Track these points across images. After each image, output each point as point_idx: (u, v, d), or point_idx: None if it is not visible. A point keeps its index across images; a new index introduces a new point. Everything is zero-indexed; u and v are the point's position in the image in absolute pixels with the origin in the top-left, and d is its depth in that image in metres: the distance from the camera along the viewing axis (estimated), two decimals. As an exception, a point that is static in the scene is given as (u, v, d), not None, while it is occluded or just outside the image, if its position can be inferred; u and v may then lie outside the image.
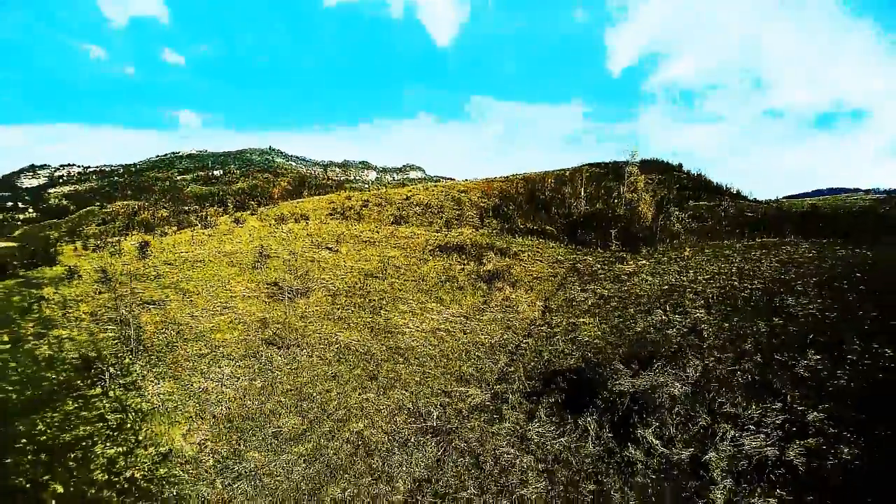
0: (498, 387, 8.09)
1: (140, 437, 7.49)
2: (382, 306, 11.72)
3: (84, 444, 7.28)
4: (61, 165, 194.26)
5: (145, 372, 9.23)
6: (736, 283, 11.91)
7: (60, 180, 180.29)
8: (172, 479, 6.72)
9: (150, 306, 12.69)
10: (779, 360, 7.99)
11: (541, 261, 15.94)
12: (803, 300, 10.35)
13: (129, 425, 7.75)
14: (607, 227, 20.88)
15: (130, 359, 9.74)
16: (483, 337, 10.14)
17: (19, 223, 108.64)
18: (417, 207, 26.81)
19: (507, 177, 36.76)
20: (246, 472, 6.68)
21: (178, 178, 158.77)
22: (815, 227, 21.79)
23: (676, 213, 23.69)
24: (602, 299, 12.09)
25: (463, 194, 30.20)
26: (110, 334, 11.06)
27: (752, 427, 6.49)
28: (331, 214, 25.79)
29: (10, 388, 9.16)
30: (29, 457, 7.07)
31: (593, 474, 6.03)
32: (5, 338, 11.13)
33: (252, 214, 28.57)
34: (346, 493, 6.06)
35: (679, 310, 10.62)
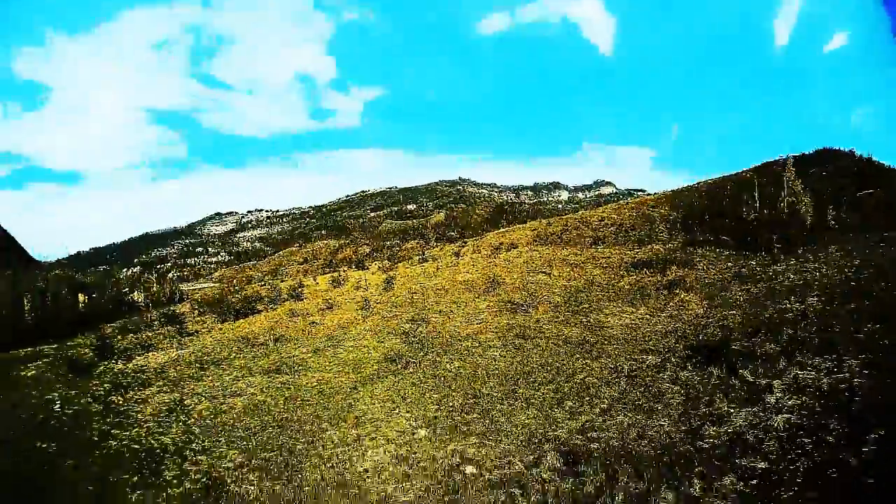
0: (666, 354, 14.94)
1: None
2: (591, 311, 18.81)
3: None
4: (248, 211, 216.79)
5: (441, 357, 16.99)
6: (861, 274, 17.66)
7: (248, 225, 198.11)
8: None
9: (419, 322, 20.68)
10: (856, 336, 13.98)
11: (713, 267, 22.22)
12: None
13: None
14: (771, 231, 26.54)
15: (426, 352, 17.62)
16: (660, 327, 16.92)
17: (213, 266, 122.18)
18: (612, 227, 33.40)
19: (690, 186, 42.62)
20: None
21: (372, 214, 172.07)
22: None
23: (831, 209, 28.59)
24: (751, 296, 18.37)
25: (652, 210, 36.18)
26: (398, 340, 19.11)
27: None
28: (536, 241, 33.31)
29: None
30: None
31: (712, 397, 12.65)
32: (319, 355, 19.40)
33: (462, 246, 36.81)
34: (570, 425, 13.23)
35: (799, 299, 16.76)
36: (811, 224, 26.70)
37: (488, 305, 21.00)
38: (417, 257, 37.28)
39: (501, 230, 43.73)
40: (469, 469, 10.69)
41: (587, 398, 13.00)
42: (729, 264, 22.18)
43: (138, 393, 17.30)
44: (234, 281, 54.30)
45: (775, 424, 10.17)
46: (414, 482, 10.54)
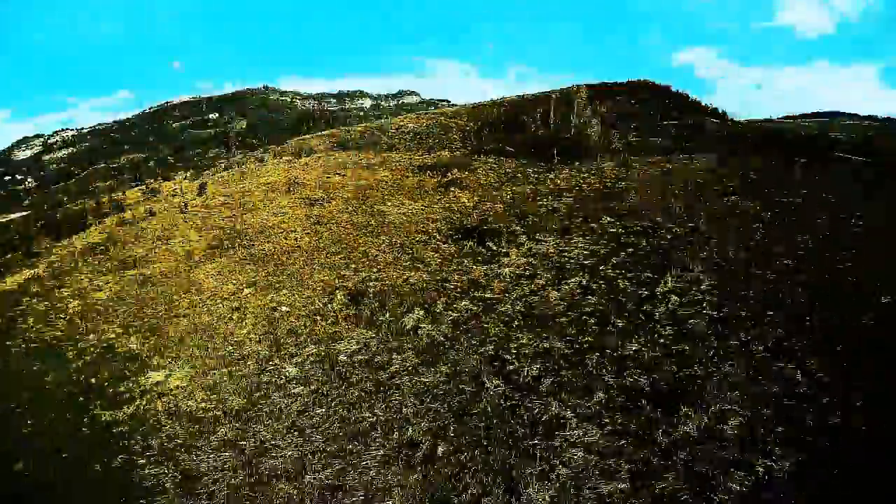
0: (433, 234, 18.59)
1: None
2: (376, 204, 22.10)
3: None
4: (54, 132, 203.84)
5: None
6: (618, 184, 22.14)
7: (55, 146, 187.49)
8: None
9: (233, 217, 23.29)
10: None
11: (492, 172, 26.07)
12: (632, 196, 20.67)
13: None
14: (553, 146, 31.00)
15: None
16: (432, 215, 20.44)
17: (21, 194, 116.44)
18: (408, 135, 36.93)
19: (494, 100, 46.93)
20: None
21: (176, 125, 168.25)
22: (771, 148, 30.76)
23: (616, 133, 33.74)
24: (516, 194, 22.35)
25: (452, 120, 40.08)
26: (218, 232, 21.77)
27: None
28: (334, 147, 36.11)
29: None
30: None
31: (462, 259, 16.50)
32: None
33: (264, 153, 38.97)
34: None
35: (557, 198, 20.92)
36: (594, 145, 31.42)
37: (290, 202, 23.79)
38: (223, 164, 38.98)
39: (302, 137, 46.07)
40: (284, 308, 14.85)
41: (368, 263, 16.56)
42: (508, 170, 26.07)
43: (11, 310, 19.00)
44: (46, 205, 53.41)
45: (503, 273, 14.27)
46: (246, 322, 14.54)
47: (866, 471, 6.78)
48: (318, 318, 13.88)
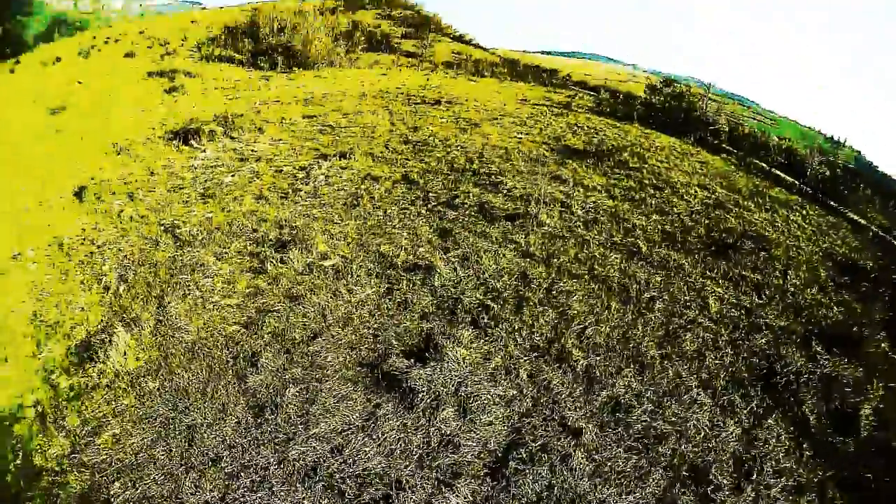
0: (152, 136, 22.99)
1: None
2: (110, 109, 26.07)
3: None
4: None
5: None
6: (313, 91, 27.30)
7: None
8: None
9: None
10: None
11: (217, 80, 30.40)
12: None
13: None
14: (283, 55, 35.62)
15: None
16: (153, 120, 24.75)
17: None
18: (149, 41, 40.00)
19: (243, 7, 50.36)
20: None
21: None
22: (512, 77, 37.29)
23: (342, 45, 38.89)
24: (234, 100, 26.98)
25: (193, 24, 43.58)
26: None
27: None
28: (80, 54, 38.43)
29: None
30: None
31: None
32: None
33: (17, 63, 40.45)
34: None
35: (260, 103, 25.85)
36: (317, 56, 36.26)
37: (34, 110, 26.97)
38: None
39: (53, 44, 47.59)
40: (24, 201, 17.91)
41: (91, 162, 20.57)
42: (233, 77, 30.55)
43: None
44: None
45: (195, 164, 18.98)
46: None
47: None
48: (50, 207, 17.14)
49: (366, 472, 6.77)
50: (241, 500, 6.68)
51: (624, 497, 6.63)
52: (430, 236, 12.47)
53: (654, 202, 14.50)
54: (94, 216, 16.19)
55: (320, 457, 7.09)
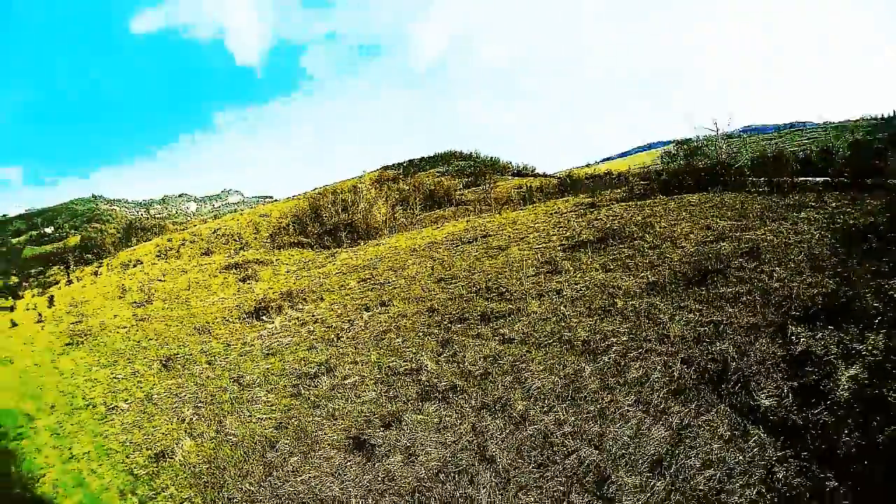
0: (230, 315, 27.47)
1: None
2: (189, 300, 30.93)
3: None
4: None
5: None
6: (364, 257, 31.82)
7: None
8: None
9: (81, 318, 31.53)
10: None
11: (286, 264, 35.36)
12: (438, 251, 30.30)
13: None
14: (347, 231, 40.69)
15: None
16: (233, 303, 29.43)
17: None
18: (223, 237, 46.11)
19: (299, 196, 57.18)
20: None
21: (14, 241, 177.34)
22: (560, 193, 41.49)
23: (400, 210, 43.94)
24: (302, 278, 31.57)
25: (263, 218, 49.71)
26: (68, 331, 29.93)
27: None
28: (158, 256, 44.67)
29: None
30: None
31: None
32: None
33: (99, 266, 47.18)
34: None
35: (324, 276, 30.26)
36: (379, 222, 41.23)
37: (120, 305, 32.22)
38: (63, 280, 46.71)
39: (130, 248, 54.63)
40: (120, 376, 22.30)
41: (177, 343, 24.99)
42: (301, 259, 35.38)
43: None
44: None
45: (265, 333, 23.05)
46: (97, 388, 21.94)
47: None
48: (140, 379, 21.63)
49: (327, 499, 10.20)
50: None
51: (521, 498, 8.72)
52: (433, 346, 16.04)
53: (648, 261, 16.91)
54: (179, 379, 20.28)
55: (308, 489, 10.61)
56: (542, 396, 11.55)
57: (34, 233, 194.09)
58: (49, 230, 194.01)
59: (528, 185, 47.62)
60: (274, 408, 15.06)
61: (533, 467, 9.43)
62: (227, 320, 26.27)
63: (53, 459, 16.13)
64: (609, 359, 12.18)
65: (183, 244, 46.97)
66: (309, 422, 13.55)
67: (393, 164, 63.52)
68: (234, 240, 44.65)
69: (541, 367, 12.75)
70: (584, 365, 12.27)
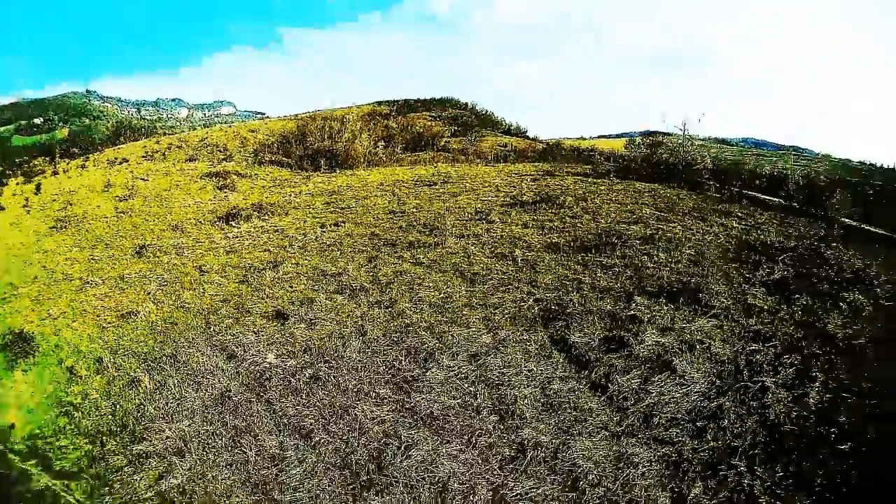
0: (203, 220, 31.10)
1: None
2: (169, 200, 34.52)
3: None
4: None
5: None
6: (346, 189, 35.37)
7: None
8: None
9: (65, 206, 35.12)
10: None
11: (264, 180, 38.79)
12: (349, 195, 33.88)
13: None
14: (327, 158, 44.06)
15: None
16: (211, 207, 32.96)
17: None
18: (209, 147, 49.49)
19: (289, 117, 60.51)
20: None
21: (2, 129, 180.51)
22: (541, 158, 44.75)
23: (382, 146, 47.29)
24: (274, 194, 35.11)
25: (251, 133, 52.99)
26: (55, 219, 33.50)
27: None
28: (144, 157, 47.98)
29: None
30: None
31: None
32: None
33: (85, 160, 50.52)
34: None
35: (295, 195, 33.81)
36: (360, 154, 44.63)
37: (103, 198, 35.77)
38: (49, 170, 49.78)
39: (118, 146, 58.02)
40: (97, 257, 26.06)
41: (153, 236, 28.66)
42: (278, 177, 38.93)
43: None
44: None
45: (234, 234, 26.77)
46: (76, 267, 25.72)
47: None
48: (115, 262, 25.37)
49: (247, 344, 14.10)
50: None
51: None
52: (361, 260, 19.84)
53: (561, 226, 19.75)
54: (149, 264, 23.78)
55: (235, 339, 14.47)
56: (420, 302, 15.82)
57: (23, 122, 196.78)
58: (39, 121, 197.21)
59: (514, 145, 50.20)
60: (224, 288, 18.86)
61: (387, 343, 14.03)
62: (200, 222, 29.66)
63: (33, 317, 20.04)
64: (484, 287, 16.33)
65: (169, 148, 50.26)
66: (248, 299, 17.43)
67: (387, 101, 66.33)
68: (219, 151, 47.83)
69: (431, 284, 16.78)
70: (462, 288, 16.38)
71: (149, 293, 19.46)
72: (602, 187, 26.62)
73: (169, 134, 72.43)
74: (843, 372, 11.20)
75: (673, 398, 10.85)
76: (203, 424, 12.26)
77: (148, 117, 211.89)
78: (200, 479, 10.63)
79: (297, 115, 60.69)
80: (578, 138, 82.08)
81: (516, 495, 9.21)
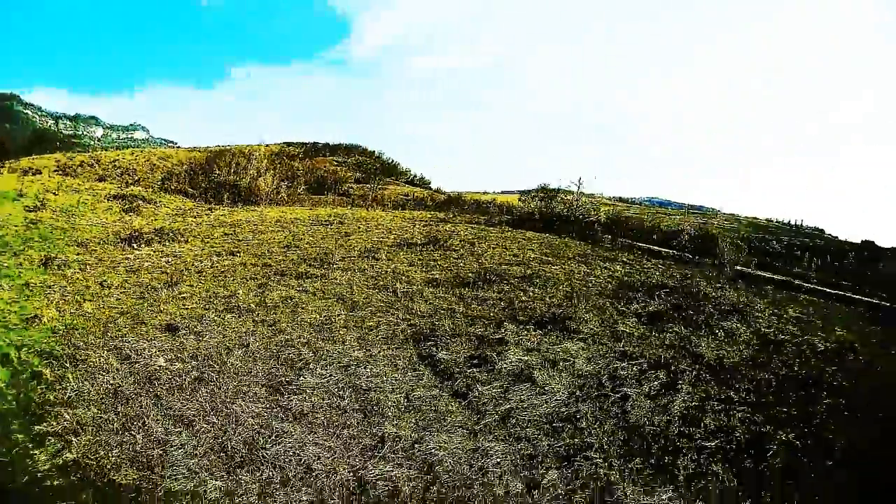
0: (106, 241, 33.47)
1: None
2: (77, 217, 36.61)
3: None
4: None
5: None
6: (258, 224, 38.18)
7: None
8: None
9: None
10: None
11: (168, 207, 41.18)
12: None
13: None
14: (231, 192, 46.79)
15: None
16: (110, 228, 35.36)
17: None
18: (119, 169, 51.63)
19: (200, 148, 63.15)
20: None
21: None
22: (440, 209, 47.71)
23: (285, 186, 50.27)
24: (177, 222, 37.62)
25: (161, 161, 55.44)
26: None
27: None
28: (57, 170, 49.76)
29: None
30: None
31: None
32: None
33: (0, 166, 52.10)
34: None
35: (196, 225, 36.45)
36: (263, 192, 47.46)
37: (15, 207, 37.60)
38: (-40, 174, 51.22)
39: (32, 158, 59.64)
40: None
41: (57, 251, 30.97)
42: (182, 206, 41.51)
43: None
44: None
45: (139, 255, 29.38)
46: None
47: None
48: (22, 270, 27.70)
49: (136, 350, 16.91)
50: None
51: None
52: (252, 286, 22.71)
53: (445, 265, 21.27)
54: (54, 276, 25.67)
55: (128, 346, 17.26)
56: (302, 322, 18.49)
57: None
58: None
59: (415, 195, 53.34)
60: (122, 303, 21.47)
61: (267, 355, 16.17)
62: (104, 241, 31.57)
63: (-69, 317, 22.13)
64: (363, 313, 18.87)
65: (82, 165, 51.57)
66: (144, 313, 20.16)
67: (297, 143, 69.33)
68: (129, 174, 49.94)
69: (313, 309, 19.67)
70: (342, 313, 19.25)
71: (52, 301, 21.78)
72: (492, 234, 29.54)
73: (82, 151, 74.32)
74: (712, 386, 12.22)
75: (532, 404, 11.59)
76: (98, 413, 14.27)
77: (65, 130, 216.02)
78: (94, 455, 11.72)
79: (207, 147, 63.24)
80: (482, 192, 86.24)
81: (374, 475, 10.28)
